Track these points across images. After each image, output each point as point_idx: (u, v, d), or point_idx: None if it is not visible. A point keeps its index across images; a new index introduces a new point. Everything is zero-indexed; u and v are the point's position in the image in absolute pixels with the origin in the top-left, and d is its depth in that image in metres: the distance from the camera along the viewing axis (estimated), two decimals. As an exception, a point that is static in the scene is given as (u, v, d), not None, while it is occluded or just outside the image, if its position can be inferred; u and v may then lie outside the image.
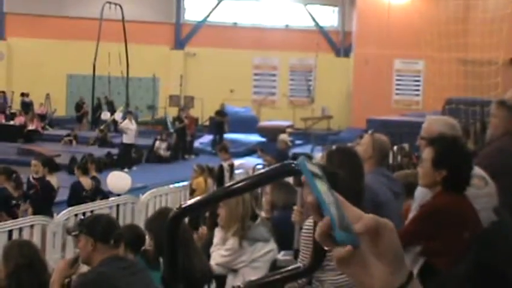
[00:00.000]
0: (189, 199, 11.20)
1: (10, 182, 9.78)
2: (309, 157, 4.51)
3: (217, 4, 32.76)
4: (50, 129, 27.19)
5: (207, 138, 26.10)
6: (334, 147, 4.37)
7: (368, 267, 1.01)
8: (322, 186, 1.03)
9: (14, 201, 9.72)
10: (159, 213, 5.07)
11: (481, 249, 1.12)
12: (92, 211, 9.96)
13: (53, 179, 10.84)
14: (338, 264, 1.02)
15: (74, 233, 4.23)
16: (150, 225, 4.92)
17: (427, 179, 3.73)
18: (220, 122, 24.92)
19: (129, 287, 3.92)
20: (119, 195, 11.66)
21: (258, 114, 29.91)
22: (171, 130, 24.34)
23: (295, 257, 4.10)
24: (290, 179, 6.66)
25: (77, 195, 10.63)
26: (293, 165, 1.69)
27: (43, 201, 10.33)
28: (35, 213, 9.74)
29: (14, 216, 9.27)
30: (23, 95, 28.99)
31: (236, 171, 14.05)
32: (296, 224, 4.19)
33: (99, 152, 19.77)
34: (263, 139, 24.43)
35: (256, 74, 32.56)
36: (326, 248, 1.02)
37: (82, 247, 4.04)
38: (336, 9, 32.95)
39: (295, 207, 4.24)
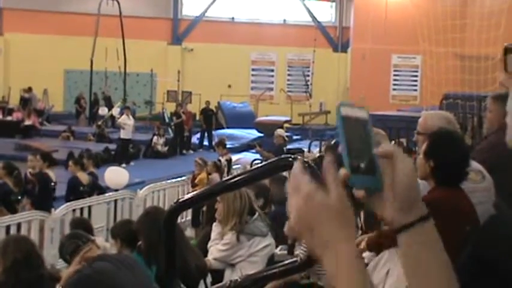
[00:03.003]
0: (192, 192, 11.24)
1: (11, 177, 9.81)
2: (301, 151, 4.55)
3: (215, -1, 32.74)
4: (47, 125, 27.16)
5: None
6: (333, 141, 4.38)
7: (383, 200, 1.10)
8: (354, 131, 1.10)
9: (13, 197, 9.75)
10: (146, 214, 5.07)
11: (479, 243, 1.14)
12: (89, 206, 9.99)
13: (50, 174, 10.85)
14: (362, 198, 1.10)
15: None
16: (137, 226, 4.92)
17: (420, 170, 3.76)
18: (208, 118, 24.89)
19: (126, 281, 3.93)
20: (116, 190, 11.67)
21: (256, 109, 29.88)
22: (171, 123, 24.30)
23: (290, 251, 4.12)
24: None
25: (75, 191, 10.64)
26: (289, 159, 1.69)
27: (42, 195, 10.35)
28: (35, 208, 9.77)
29: (14, 211, 9.29)
30: (27, 90, 28.98)
31: (234, 167, 14.07)
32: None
33: (96, 147, 19.76)
34: (260, 134, 24.41)
35: (253, 69, 32.55)
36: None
37: None
38: (333, 4, 32.94)
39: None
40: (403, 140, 12.52)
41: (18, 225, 8.56)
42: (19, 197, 9.90)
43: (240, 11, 32.66)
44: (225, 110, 28.29)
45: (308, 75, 31.49)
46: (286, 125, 24.74)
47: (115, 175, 12.76)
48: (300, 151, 11.85)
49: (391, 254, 2.87)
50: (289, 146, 17.06)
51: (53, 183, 10.86)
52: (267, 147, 16.11)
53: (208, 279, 5.07)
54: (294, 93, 31.56)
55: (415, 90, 28.93)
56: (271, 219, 5.34)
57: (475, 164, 3.82)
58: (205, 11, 32.73)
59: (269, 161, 1.79)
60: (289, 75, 32.56)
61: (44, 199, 10.34)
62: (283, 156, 1.69)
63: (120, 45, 27.73)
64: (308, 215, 1.07)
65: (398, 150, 1.11)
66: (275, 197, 5.88)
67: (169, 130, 24.23)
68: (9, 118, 26.18)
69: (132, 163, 19.73)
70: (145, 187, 11.65)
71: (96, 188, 11.16)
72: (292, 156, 1.68)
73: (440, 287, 1.09)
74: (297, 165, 1.12)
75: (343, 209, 1.07)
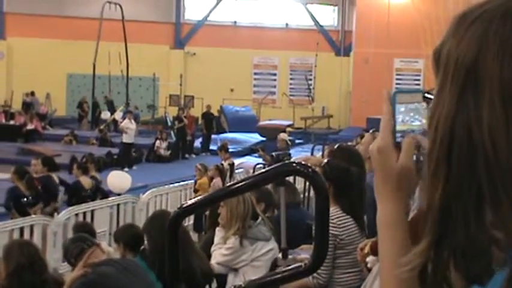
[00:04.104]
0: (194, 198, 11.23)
1: (22, 181, 9.85)
2: (289, 155, 4.55)
3: (217, 3, 32.74)
4: (50, 129, 27.18)
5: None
6: (336, 146, 4.37)
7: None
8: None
9: (24, 200, 9.78)
10: (152, 217, 5.09)
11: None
12: (92, 211, 9.99)
13: (55, 177, 10.87)
14: None
15: None
16: (144, 228, 4.95)
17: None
18: (208, 122, 24.87)
19: (130, 285, 3.92)
20: (119, 194, 11.66)
21: (258, 113, 29.88)
22: (173, 127, 24.31)
23: (284, 255, 4.11)
24: (291, 178, 6.66)
25: (78, 195, 10.64)
26: (294, 164, 1.69)
27: (49, 198, 10.38)
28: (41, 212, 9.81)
29: (24, 215, 9.33)
30: (29, 94, 29.08)
31: (236, 171, 14.06)
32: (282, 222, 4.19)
33: (99, 151, 19.76)
34: (263, 138, 24.40)
35: (256, 74, 32.56)
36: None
37: None
38: (336, 8, 32.94)
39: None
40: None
41: (21, 230, 8.56)
42: (29, 201, 9.93)
43: (243, 15, 32.68)
44: (227, 114, 28.30)
45: (310, 79, 31.50)
46: (288, 129, 24.73)
47: (118, 179, 12.74)
48: (287, 154, 11.81)
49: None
50: (294, 150, 17.06)
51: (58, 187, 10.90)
52: (270, 151, 16.09)
53: (213, 284, 5.07)
54: (296, 97, 31.56)
55: (418, 94, 28.88)
56: (275, 223, 5.32)
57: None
58: (208, 15, 32.77)
59: (272, 166, 1.78)
60: (291, 79, 32.56)
61: (50, 202, 10.37)
62: (287, 161, 1.69)
63: (122, 49, 27.78)
64: (374, 162, 1.20)
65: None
66: (279, 202, 5.86)
67: (172, 134, 24.23)
68: (11, 122, 26.20)
69: (134, 167, 19.73)
70: (148, 191, 11.64)
71: (99, 192, 11.16)
72: (296, 162, 1.68)
73: None
74: (384, 117, 1.18)
75: (401, 178, 1.15)
